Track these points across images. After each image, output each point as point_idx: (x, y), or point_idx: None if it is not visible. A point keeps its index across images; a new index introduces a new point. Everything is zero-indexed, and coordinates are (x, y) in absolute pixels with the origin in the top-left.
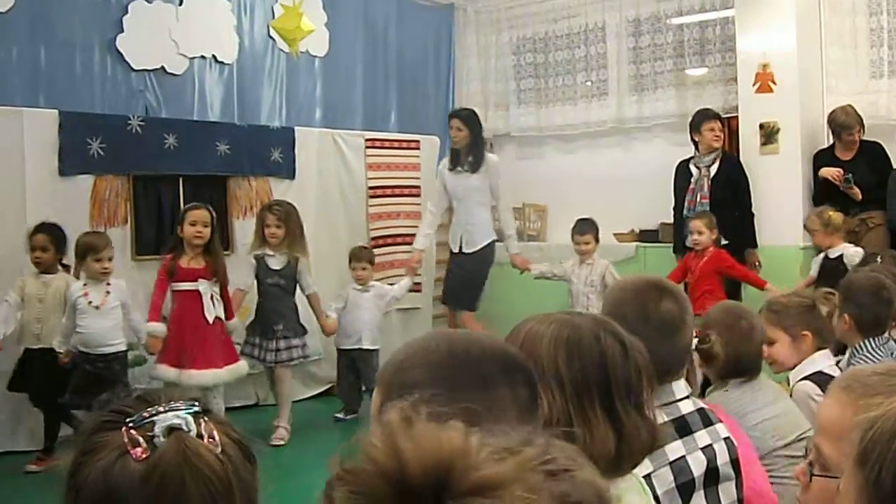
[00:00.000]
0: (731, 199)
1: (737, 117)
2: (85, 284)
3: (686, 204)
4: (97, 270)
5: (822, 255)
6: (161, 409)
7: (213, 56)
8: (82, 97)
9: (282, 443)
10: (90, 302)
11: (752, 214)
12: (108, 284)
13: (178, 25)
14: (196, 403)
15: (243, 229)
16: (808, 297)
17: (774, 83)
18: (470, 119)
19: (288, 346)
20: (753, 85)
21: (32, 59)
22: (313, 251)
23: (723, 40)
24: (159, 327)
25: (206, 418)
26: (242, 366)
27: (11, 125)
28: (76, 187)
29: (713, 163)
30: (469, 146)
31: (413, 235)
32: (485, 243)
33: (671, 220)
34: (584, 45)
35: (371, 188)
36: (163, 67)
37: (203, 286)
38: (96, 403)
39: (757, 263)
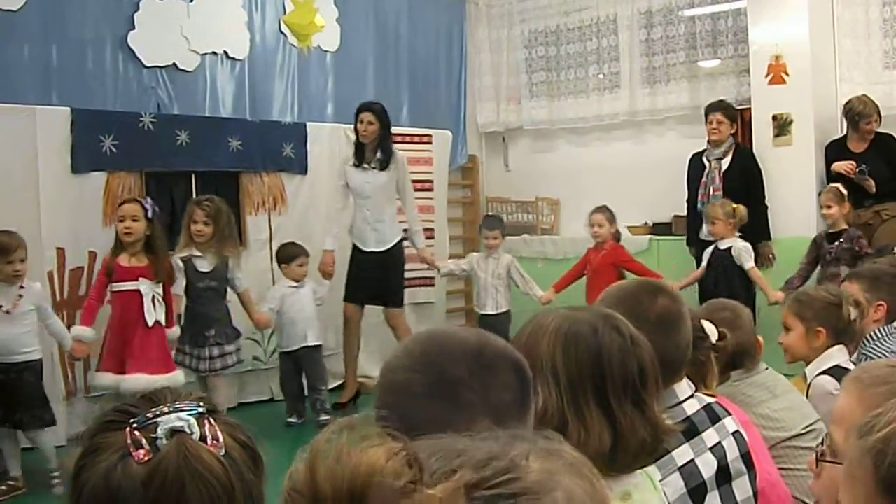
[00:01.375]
0: (743, 191)
1: (750, 109)
2: None
3: (699, 196)
4: (8, 273)
5: (712, 247)
6: (165, 409)
7: (225, 52)
8: (94, 94)
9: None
10: (0, 306)
11: (766, 206)
12: (22, 287)
13: (189, 22)
14: (201, 404)
15: (256, 225)
16: (835, 296)
17: (787, 74)
18: (382, 113)
19: (222, 353)
20: (766, 76)
21: (45, 56)
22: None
23: (735, 32)
24: (87, 332)
25: (211, 419)
26: (179, 376)
27: (25, 123)
28: (89, 184)
29: (725, 155)
30: (377, 141)
31: (426, 229)
32: (396, 241)
33: (684, 213)
34: (596, 38)
35: None
36: (174, 64)
37: (144, 286)
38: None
39: (771, 255)
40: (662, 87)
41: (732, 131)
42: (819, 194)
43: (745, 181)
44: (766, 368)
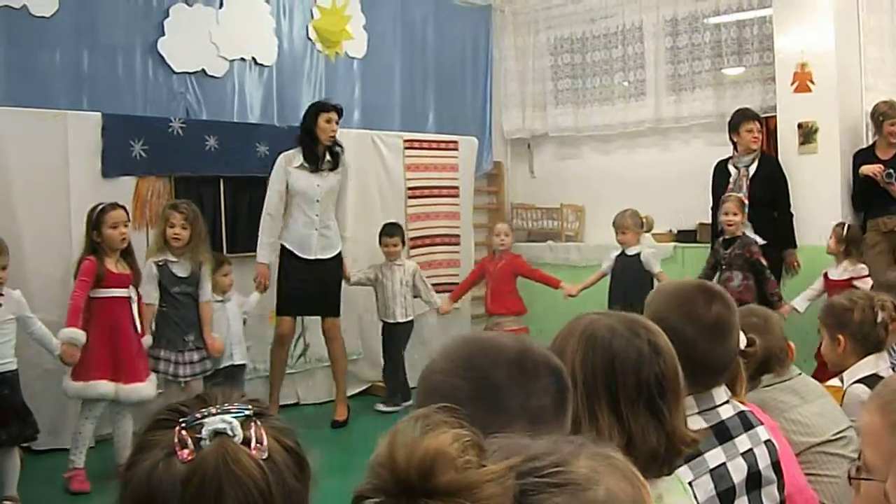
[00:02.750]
0: (769, 198)
1: (775, 117)
2: None
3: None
4: None
5: (618, 252)
6: (213, 410)
7: (253, 58)
8: (124, 100)
9: None
10: None
11: (791, 214)
12: (1, 296)
13: (218, 28)
14: (250, 407)
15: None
16: (849, 300)
17: (813, 82)
18: (342, 115)
19: (201, 357)
20: (791, 84)
21: (76, 62)
22: (352, 251)
23: (760, 39)
24: (80, 334)
25: (258, 422)
26: (154, 380)
27: (56, 127)
28: (119, 188)
29: (752, 162)
30: (333, 143)
31: (452, 235)
32: (339, 248)
33: (709, 220)
34: (622, 45)
35: (410, 189)
36: (203, 70)
37: (133, 293)
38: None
39: (796, 264)
40: (688, 94)
41: None
42: (725, 201)
43: (772, 189)
44: (799, 374)
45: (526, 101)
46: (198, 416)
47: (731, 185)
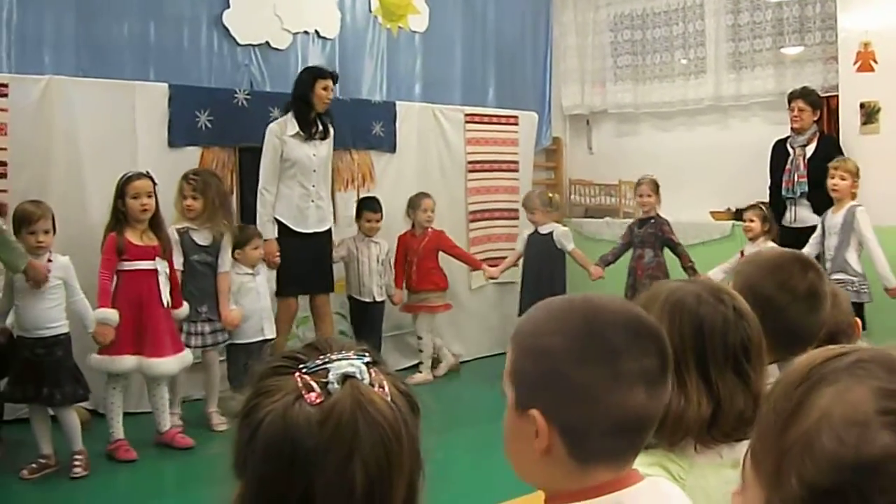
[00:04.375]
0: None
1: (836, 96)
2: None
3: (783, 183)
4: (31, 244)
5: (530, 231)
6: (333, 356)
7: (316, 31)
8: (190, 71)
9: (224, 427)
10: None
11: None
12: (49, 261)
13: (282, 1)
14: (367, 353)
15: (345, 202)
16: None
17: (876, 62)
18: (336, 81)
19: (213, 329)
20: (854, 64)
21: (143, 34)
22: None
23: (823, 18)
24: (112, 314)
25: (376, 369)
26: (188, 355)
27: (124, 98)
28: (185, 158)
29: (809, 142)
30: (328, 110)
31: (511, 210)
32: (331, 221)
33: (767, 199)
34: (682, 23)
35: (470, 163)
36: (267, 42)
37: (160, 265)
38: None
39: None
40: (748, 72)
41: (815, 119)
42: (640, 182)
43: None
44: None
45: (585, 77)
46: (318, 361)
47: (788, 165)
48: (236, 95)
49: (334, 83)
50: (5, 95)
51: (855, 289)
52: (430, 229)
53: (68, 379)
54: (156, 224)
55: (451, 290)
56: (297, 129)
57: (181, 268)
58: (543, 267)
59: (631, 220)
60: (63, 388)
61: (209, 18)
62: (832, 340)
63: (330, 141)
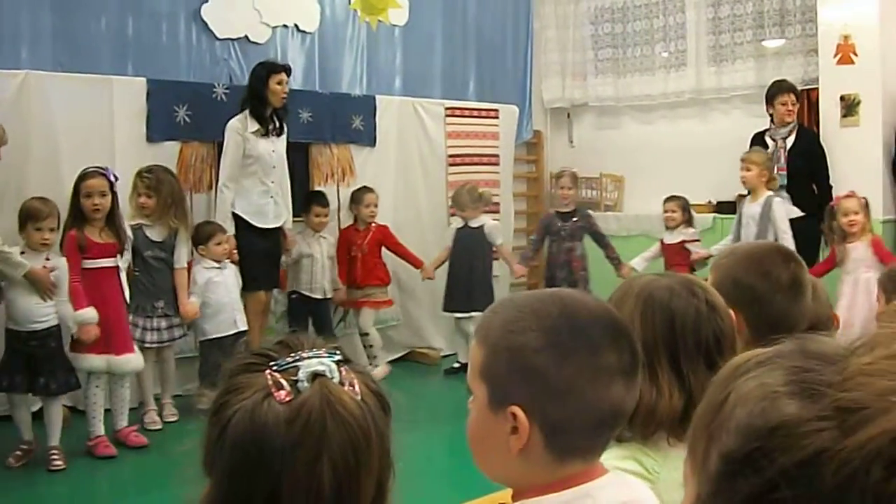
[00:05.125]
0: (807, 171)
1: (817, 89)
2: (23, 253)
3: None
4: (36, 240)
5: (458, 225)
6: (304, 354)
7: (296, 25)
8: (168, 66)
9: (175, 418)
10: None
11: (830, 187)
12: (48, 259)
13: None
14: (337, 351)
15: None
16: None
17: (856, 55)
18: (290, 75)
19: (170, 325)
20: (834, 56)
21: (121, 28)
22: (392, 218)
23: (803, 11)
24: (92, 313)
25: (346, 367)
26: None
27: (102, 93)
28: (163, 153)
29: (789, 135)
30: (285, 105)
31: (493, 203)
32: (286, 217)
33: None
34: (663, 15)
35: (450, 156)
36: (246, 36)
37: (121, 262)
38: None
39: None
40: (729, 65)
41: None
42: (561, 175)
43: (809, 162)
44: None
45: (566, 71)
46: (289, 359)
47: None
48: (215, 90)
49: (288, 76)
50: None
51: None
52: (373, 224)
53: (62, 369)
54: (113, 221)
55: (434, 284)
56: (256, 125)
57: (127, 265)
58: (476, 261)
59: (546, 215)
60: (58, 378)
61: (187, 12)
62: (813, 331)
63: (285, 137)
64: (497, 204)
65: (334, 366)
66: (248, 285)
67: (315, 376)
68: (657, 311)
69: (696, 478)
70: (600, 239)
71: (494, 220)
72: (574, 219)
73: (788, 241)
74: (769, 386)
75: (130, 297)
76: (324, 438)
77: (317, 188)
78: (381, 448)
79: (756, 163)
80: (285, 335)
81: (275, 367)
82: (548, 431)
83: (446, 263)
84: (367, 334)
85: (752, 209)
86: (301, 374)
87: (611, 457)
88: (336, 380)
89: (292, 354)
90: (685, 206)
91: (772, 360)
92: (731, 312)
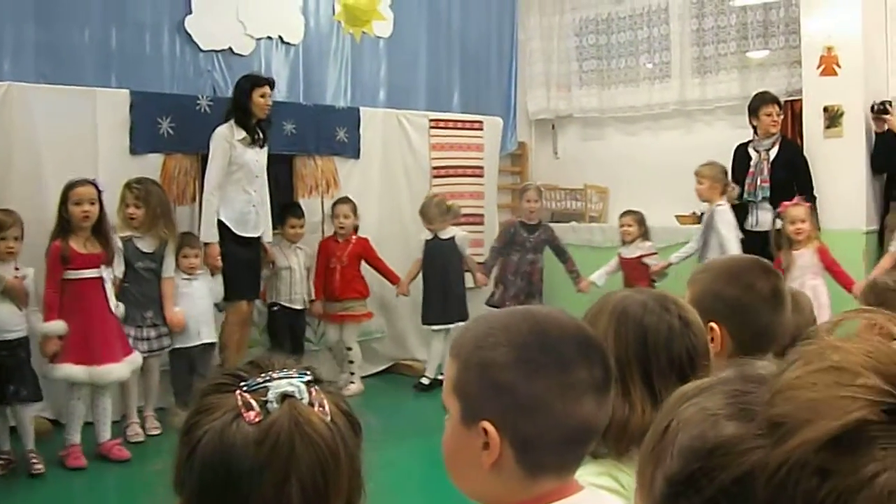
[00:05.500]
0: (790, 182)
1: (800, 100)
2: None
3: (746, 187)
4: (1, 251)
5: (429, 237)
6: (274, 375)
7: (280, 37)
8: (152, 77)
9: (157, 431)
10: None
11: (814, 198)
12: (17, 269)
13: (245, 6)
14: (308, 372)
15: (308, 208)
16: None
17: (839, 66)
18: (273, 87)
19: (158, 334)
20: (818, 68)
21: (104, 40)
22: (377, 230)
23: (787, 23)
24: (59, 326)
25: (316, 388)
26: (138, 357)
27: (85, 104)
28: (147, 165)
29: (773, 146)
30: (268, 118)
31: (476, 215)
32: (265, 227)
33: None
34: (647, 27)
35: (435, 168)
36: (230, 48)
37: (106, 273)
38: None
39: None
40: (713, 76)
41: None
42: (526, 189)
43: (793, 173)
44: None
45: (550, 82)
46: (259, 380)
47: (752, 169)
48: (199, 102)
49: (271, 89)
50: None
51: None
52: (353, 236)
53: (31, 378)
54: (100, 231)
55: (418, 297)
56: (243, 133)
57: (120, 276)
58: (449, 273)
59: (509, 224)
60: (28, 386)
61: (171, 24)
62: (794, 343)
63: (266, 149)
64: (481, 216)
65: (304, 386)
66: (230, 295)
67: (284, 397)
68: (630, 326)
69: (643, 502)
70: (561, 253)
71: (476, 231)
72: (538, 232)
73: (733, 248)
74: (709, 410)
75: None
76: (292, 459)
77: (300, 200)
78: (351, 468)
79: (706, 176)
80: (256, 356)
81: (245, 388)
82: (518, 447)
83: (420, 277)
84: (350, 349)
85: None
86: (270, 395)
87: (585, 473)
88: (305, 400)
89: (263, 375)
90: (641, 220)
91: (712, 387)
92: (713, 326)
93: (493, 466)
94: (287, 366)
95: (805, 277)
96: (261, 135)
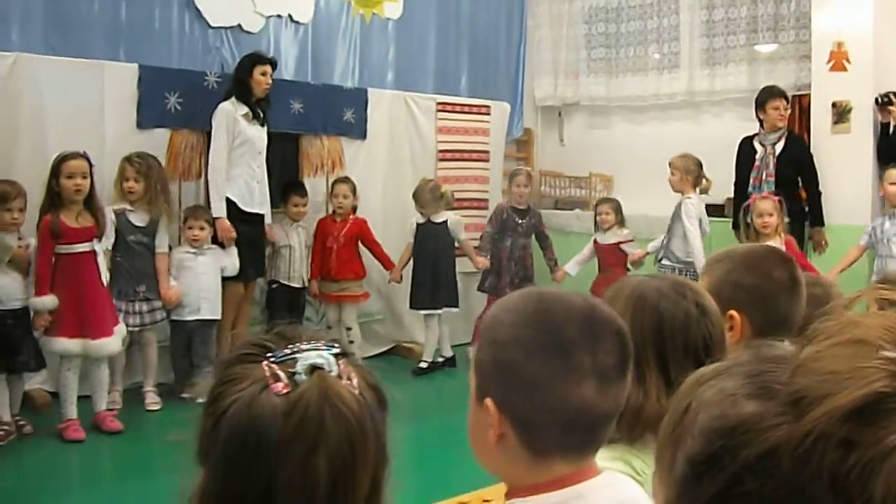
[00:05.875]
0: (795, 177)
1: (808, 95)
2: None
3: (751, 181)
4: (6, 221)
5: (418, 220)
6: (303, 346)
7: (289, 15)
8: (160, 52)
9: (157, 407)
10: None
11: (820, 193)
12: (20, 239)
13: None
14: (336, 344)
15: (314, 187)
16: None
17: (849, 62)
18: (275, 67)
19: (151, 308)
20: (827, 63)
21: (113, 13)
22: (381, 212)
23: (797, 17)
24: (50, 301)
25: (344, 360)
26: (122, 327)
27: (93, 78)
28: (153, 140)
29: (779, 140)
30: (267, 97)
31: (480, 200)
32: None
33: (732, 196)
34: (657, 17)
35: (441, 151)
36: (239, 25)
37: (98, 246)
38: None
39: (824, 242)
40: (721, 68)
41: None
42: (517, 174)
43: (799, 168)
44: None
45: (558, 69)
46: (287, 351)
47: (757, 163)
48: (207, 78)
49: (273, 69)
50: None
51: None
52: (350, 216)
53: (35, 346)
54: (92, 204)
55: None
56: (245, 109)
57: (110, 248)
58: (440, 257)
59: (500, 209)
60: (35, 356)
61: None
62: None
63: (266, 128)
64: (486, 200)
65: (333, 359)
66: (248, 274)
67: (313, 369)
68: (646, 312)
69: (663, 485)
70: (544, 240)
71: (480, 216)
72: (528, 216)
73: (695, 240)
74: (728, 390)
75: (113, 282)
76: (321, 432)
77: (305, 179)
78: (378, 443)
79: (677, 167)
80: (282, 326)
81: (272, 359)
82: (519, 427)
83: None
84: (350, 328)
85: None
86: (299, 367)
87: (598, 458)
88: (334, 373)
89: (290, 346)
90: (618, 208)
91: (729, 369)
92: (733, 314)
93: (498, 445)
94: (315, 338)
95: None
96: (261, 113)
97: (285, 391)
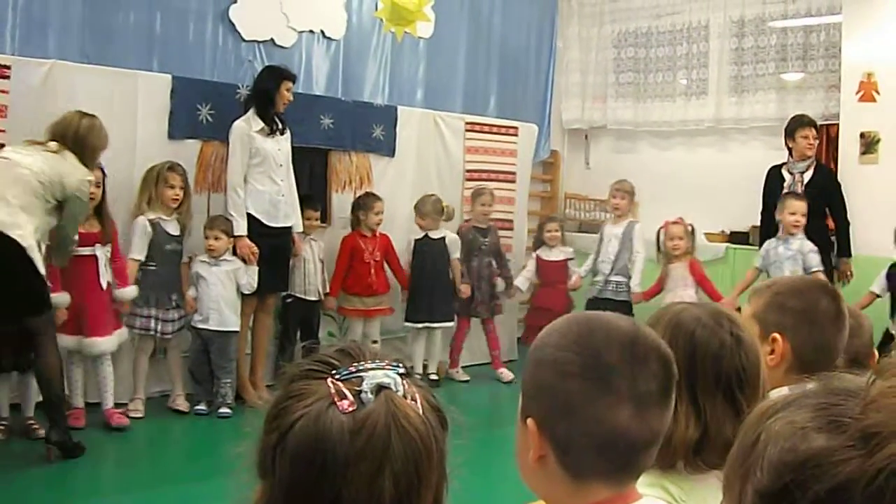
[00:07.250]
0: (823, 206)
1: (836, 125)
2: None
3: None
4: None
5: (416, 236)
6: (368, 365)
7: (322, 31)
8: (193, 64)
9: (139, 414)
10: None
11: (847, 223)
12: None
13: None
14: (400, 364)
15: (341, 203)
16: None
17: (878, 92)
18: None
19: (180, 315)
20: (857, 93)
21: (149, 24)
22: (407, 229)
23: (827, 46)
24: (64, 298)
25: (408, 381)
26: (124, 332)
27: (127, 87)
28: (184, 151)
29: (807, 169)
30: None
31: (506, 220)
32: (298, 217)
33: (759, 224)
34: (686, 43)
35: (468, 171)
36: (272, 39)
37: (100, 251)
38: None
39: (849, 272)
40: (750, 96)
41: None
42: (482, 193)
43: (826, 198)
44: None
45: (586, 92)
46: (352, 369)
47: (785, 190)
48: (239, 91)
49: (293, 84)
50: (7, 77)
51: (625, 289)
52: (377, 232)
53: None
54: (102, 212)
55: None
56: (261, 124)
57: (142, 257)
58: (438, 273)
59: (465, 229)
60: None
61: (215, 12)
62: (850, 366)
63: (289, 137)
64: (511, 221)
65: (399, 379)
66: (264, 288)
67: (380, 388)
68: (681, 339)
69: None
70: (501, 257)
71: (506, 237)
72: (489, 235)
73: (637, 263)
74: (797, 423)
75: (147, 290)
76: (388, 452)
77: (333, 194)
78: (440, 463)
79: (627, 191)
80: (345, 343)
81: (337, 376)
82: (557, 448)
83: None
84: (375, 342)
85: (614, 230)
86: (365, 385)
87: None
88: (400, 393)
89: (354, 364)
90: (562, 226)
91: (798, 401)
92: (776, 337)
93: (538, 465)
94: (379, 356)
95: (678, 289)
96: (280, 124)
97: (351, 409)
